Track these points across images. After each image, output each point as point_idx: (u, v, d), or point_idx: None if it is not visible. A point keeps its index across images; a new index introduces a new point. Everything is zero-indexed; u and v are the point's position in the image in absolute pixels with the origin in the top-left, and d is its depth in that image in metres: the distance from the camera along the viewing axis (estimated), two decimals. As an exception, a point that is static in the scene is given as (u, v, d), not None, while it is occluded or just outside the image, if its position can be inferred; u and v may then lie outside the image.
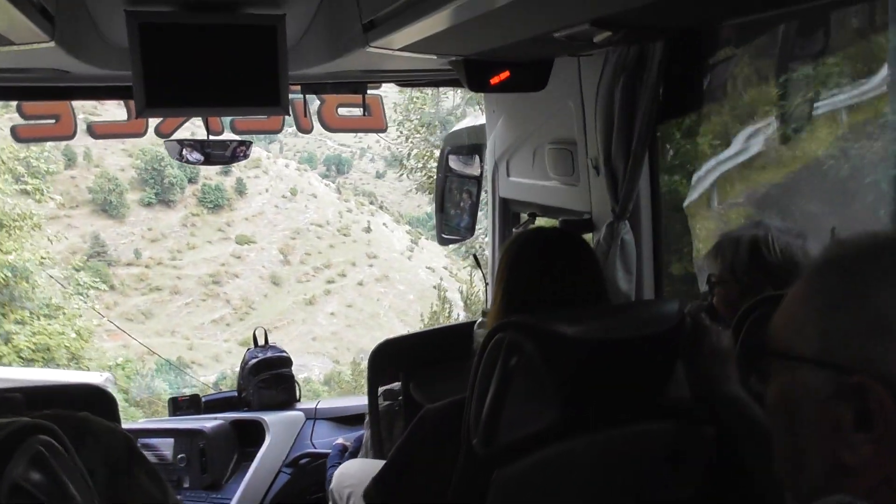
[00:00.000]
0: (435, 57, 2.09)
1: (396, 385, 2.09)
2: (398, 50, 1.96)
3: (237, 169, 44.25)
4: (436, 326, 2.81)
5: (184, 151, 2.83)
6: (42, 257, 13.93)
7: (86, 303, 14.87)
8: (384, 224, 48.06)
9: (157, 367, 24.67)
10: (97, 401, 1.58)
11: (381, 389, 2.11)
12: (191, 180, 44.07)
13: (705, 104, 2.39)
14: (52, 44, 1.72)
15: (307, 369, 30.71)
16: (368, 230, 46.72)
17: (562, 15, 1.46)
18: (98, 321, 17.50)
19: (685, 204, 2.73)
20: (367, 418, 2.16)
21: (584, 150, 2.30)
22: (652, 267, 2.17)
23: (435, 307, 14.32)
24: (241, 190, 45.32)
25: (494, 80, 2.14)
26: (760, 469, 1.13)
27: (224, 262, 41.49)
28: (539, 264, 1.32)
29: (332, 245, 44.53)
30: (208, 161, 2.79)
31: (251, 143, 2.81)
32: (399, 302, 41.35)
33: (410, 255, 45.58)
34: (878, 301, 0.64)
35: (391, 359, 2.01)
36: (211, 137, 2.77)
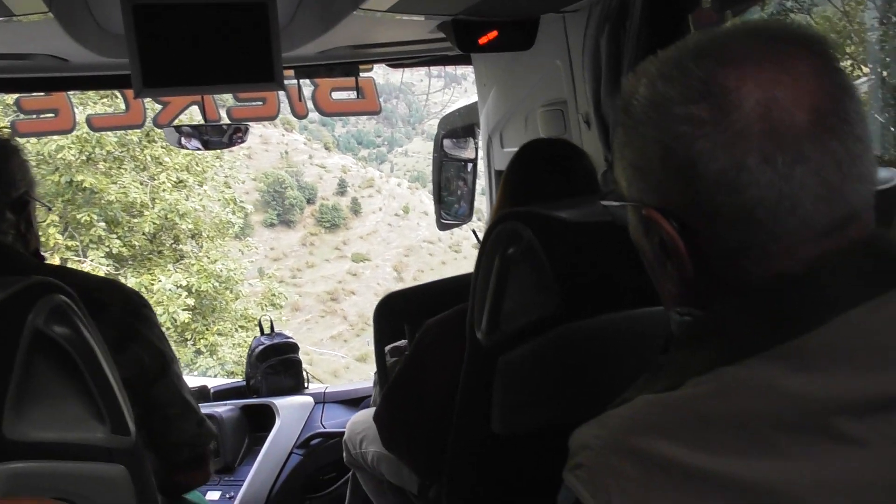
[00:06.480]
0: (423, 18, 2.15)
1: (402, 342, 2.11)
2: (387, 11, 2.02)
3: (352, 189, 46.00)
4: (440, 279, 2.82)
5: (182, 139, 2.87)
6: (246, 267, 14.31)
7: (278, 314, 14.90)
8: (492, 240, 49.70)
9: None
10: None
11: (387, 348, 2.14)
12: (309, 201, 45.92)
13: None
14: (51, 15, 1.78)
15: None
16: (478, 246, 47.92)
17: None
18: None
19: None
20: (374, 376, 2.18)
21: (575, 106, 2.34)
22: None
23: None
24: (356, 209, 46.61)
25: (483, 40, 2.19)
26: None
27: (341, 280, 42.55)
28: (541, 164, 1.36)
29: (444, 262, 45.07)
30: (206, 146, 2.84)
31: (248, 127, 2.86)
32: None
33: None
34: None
35: (396, 313, 2.03)
36: (209, 123, 2.82)
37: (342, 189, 46.20)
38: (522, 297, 1.09)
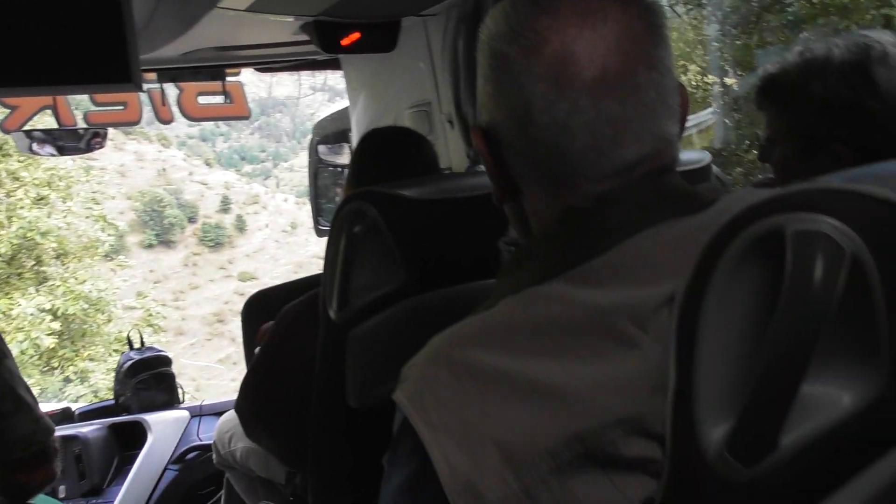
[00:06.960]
0: (284, 19, 2.16)
1: (273, 342, 2.09)
2: (246, 10, 2.01)
3: (237, 206, 44.02)
4: (310, 275, 2.75)
5: (33, 145, 2.71)
6: (118, 287, 13.17)
7: (158, 337, 13.77)
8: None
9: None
10: None
11: (257, 350, 2.11)
12: (190, 220, 43.41)
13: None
14: None
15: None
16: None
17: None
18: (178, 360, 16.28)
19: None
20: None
21: (439, 107, 2.42)
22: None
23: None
24: (241, 227, 44.33)
25: (345, 42, 2.22)
26: None
27: (227, 301, 40.02)
28: (380, 150, 1.42)
29: (335, 277, 43.77)
30: (62, 152, 2.70)
31: (107, 131, 2.74)
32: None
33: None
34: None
35: (265, 312, 2.00)
36: (64, 127, 2.68)
37: (226, 206, 44.85)
38: (370, 274, 1.13)
